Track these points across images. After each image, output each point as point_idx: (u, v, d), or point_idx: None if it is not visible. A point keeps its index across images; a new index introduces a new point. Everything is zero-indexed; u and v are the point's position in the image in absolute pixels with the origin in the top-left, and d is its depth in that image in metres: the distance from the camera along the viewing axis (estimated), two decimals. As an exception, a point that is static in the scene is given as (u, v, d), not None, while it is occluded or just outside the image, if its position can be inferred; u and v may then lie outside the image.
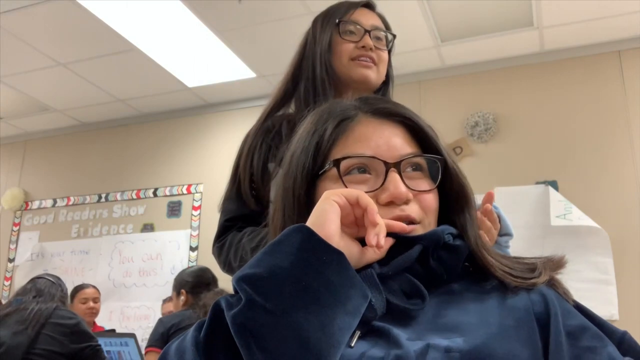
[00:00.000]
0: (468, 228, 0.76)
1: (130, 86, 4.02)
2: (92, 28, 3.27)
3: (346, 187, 0.73)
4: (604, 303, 2.93)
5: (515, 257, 0.76)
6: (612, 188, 3.11)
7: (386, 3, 2.97)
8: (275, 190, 0.81)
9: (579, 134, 3.27)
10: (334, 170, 0.74)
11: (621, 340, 0.66)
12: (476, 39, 3.37)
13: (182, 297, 2.94)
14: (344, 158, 0.74)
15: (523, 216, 3.19)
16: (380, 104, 0.81)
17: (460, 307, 0.68)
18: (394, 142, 0.76)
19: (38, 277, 2.67)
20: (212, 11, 3.11)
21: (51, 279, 2.65)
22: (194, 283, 2.94)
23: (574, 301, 0.71)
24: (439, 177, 0.76)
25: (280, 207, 0.77)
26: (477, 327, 0.64)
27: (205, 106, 4.32)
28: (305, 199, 0.75)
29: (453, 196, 0.78)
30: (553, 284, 0.72)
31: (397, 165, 0.74)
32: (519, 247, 3.52)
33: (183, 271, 3.15)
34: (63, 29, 3.30)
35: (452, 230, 0.74)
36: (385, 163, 0.73)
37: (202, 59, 3.65)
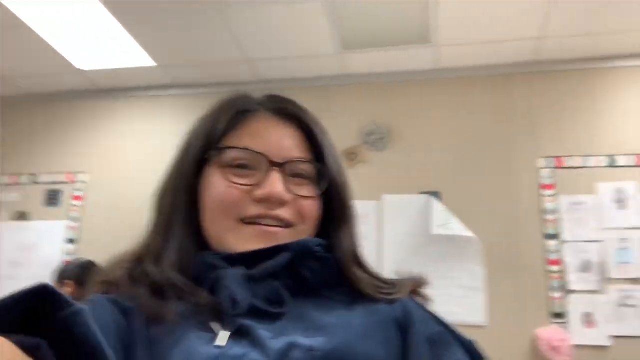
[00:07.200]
0: (344, 243, 0.78)
1: (16, 63, 3.71)
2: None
3: (227, 176, 0.75)
4: (475, 309, 3.12)
5: (383, 277, 0.80)
6: (489, 202, 3.32)
7: (291, 9, 3.00)
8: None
9: (465, 151, 3.47)
10: (219, 158, 0.76)
11: (468, 349, 0.71)
12: (377, 51, 3.48)
13: (68, 289, 2.76)
14: (229, 148, 0.75)
15: (408, 224, 3.34)
16: (284, 104, 0.81)
17: (327, 310, 0.70)
18: (285, 143, 0.77)
19: None
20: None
21: None
22: (79, 273, 2.77)
23: (431, 310, 0.76)
24: (325, 187, 0.78)
25: (171, 188, 0.79)
26: (341, 328, 0.66)
27: (97, 91, 4.09)
28: (193, 182, 0.77)
29: (335, 210, 0.80)
30: (415, 296, 0.77)
31: (281, 166, 0.75)
32: (403, 252, 3.67)
33: (69, 263, 2.99)
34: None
35: (322, 242, 0.75)
36: (270, 162, 0.74)
37: (98, 42, 3.45)
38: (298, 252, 0.71)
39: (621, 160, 3.23)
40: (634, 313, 2.98)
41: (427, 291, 0.79)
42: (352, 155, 3.56)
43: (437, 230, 3.20)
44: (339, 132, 3.58)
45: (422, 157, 3.50)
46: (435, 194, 3.35)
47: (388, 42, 3.38)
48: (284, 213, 0.74)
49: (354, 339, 0.65)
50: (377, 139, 3.58)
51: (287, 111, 0.80)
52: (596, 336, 2.99)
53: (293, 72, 3.71)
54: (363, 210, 3.35)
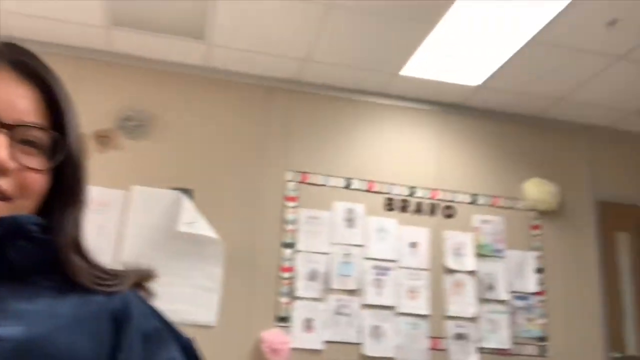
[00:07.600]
0: (66, 226, 0.70)
1: None
2: None
3: None
4: (206, 309, 3.16)
5: (105, 268, 0.74)
6: (238, 205, 3.42)
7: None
8: None
9: (222, 152, 3.52)
10: None
11: (185, 345, 0.71)
12: (149, 35, 3.33)
13: None
14: None
15: (154, 218, 3.25)
16: (25, 58, 0.69)
17: (32, 298, 0.63)
18: (18, 103, 0.66)
19: None
20: None
21: None
22: None
23: (153, 306, 0.73)
24: (58, 161, 0.69)
25: None
26: (44, 318, 0.60)
27: None
28: None
29: (64, 189, 0.71)
30: (138, 289, 0.73)
31: (10, 128, 0.64)
32: (144, 246, 3.55)
33: None
34: None
35: (39, 220, 0.66)
36: None
37: None
38: (7, 229, 0.62)
39: (355, 184, 3.63)
40: (347, 321, 3.36)
41: (154, 286, 0.76)
42: (104, 138, 3.33)
43: (182, 228, 3.18)
44: (93, 111, 3.33)
45: (180, 152, 3.45)
46: (187, 191, 3.33)
47: (162, 28, 3.27)
48: (2, 183, 0.64)
49: (56, 329, 0.60)
50: (134, 125, 3.42)
51: (27, 67, 0.69)
52: (313, 340, 3.28)
53: (49, 35, 3.32)
54: (108, 198, 3.17)
